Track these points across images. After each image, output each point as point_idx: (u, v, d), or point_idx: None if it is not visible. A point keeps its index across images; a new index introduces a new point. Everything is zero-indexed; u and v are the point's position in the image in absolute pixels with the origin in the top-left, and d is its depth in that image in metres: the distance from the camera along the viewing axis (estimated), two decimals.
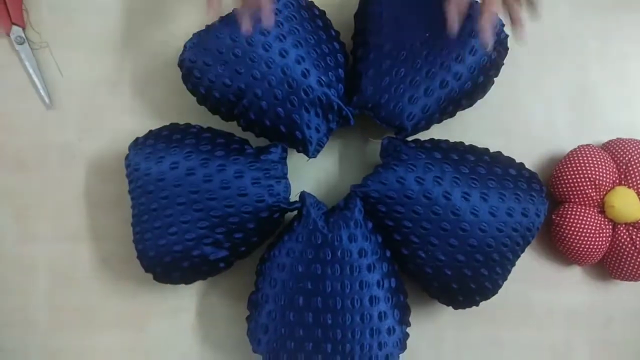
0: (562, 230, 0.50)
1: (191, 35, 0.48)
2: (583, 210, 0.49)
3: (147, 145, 0.47)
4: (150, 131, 0.48)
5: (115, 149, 0.52)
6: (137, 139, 0.48)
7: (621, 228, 0.50)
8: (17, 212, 0.52)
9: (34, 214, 0.52)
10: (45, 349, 0.50)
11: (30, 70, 0.54)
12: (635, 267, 0.49)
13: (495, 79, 0.49)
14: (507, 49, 0.49)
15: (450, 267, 0.44)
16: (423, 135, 0.49)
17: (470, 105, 0.49)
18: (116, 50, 0.54)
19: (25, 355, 0.50)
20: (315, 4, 0.50)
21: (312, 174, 0.53)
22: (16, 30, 0.54)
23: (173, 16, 0.54)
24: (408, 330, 0.47)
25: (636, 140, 0.51)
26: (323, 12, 0.50)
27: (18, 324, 0.51)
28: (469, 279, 0.45)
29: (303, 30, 0.47)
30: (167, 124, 0.49)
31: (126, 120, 0.53)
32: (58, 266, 0.51)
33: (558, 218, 0.50)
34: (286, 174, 0.47)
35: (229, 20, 0.47)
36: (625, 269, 0.50)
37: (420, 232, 0.44)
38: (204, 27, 0.48)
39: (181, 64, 0.47)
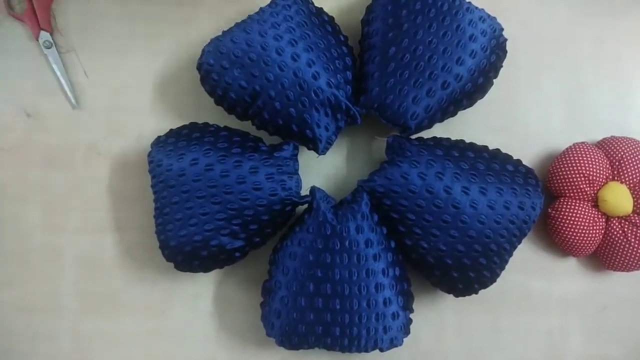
0: (557, 223, 0.52)
1: (209, 40, 0.50)
2: (577, 205, 0.52)
3: (169, 143, 0.49)
4: (171, 130, 0.51)
5: (137, 147, 0.55)
6: (159, 137, 0.51)
7: (614, 221, 0.52)
8: (46, 205, 0.55)
9: (62, 207, 0.55)
10: (75, 333, 0.53)
11: (58, 73, 0.56)
12: (627, 258, 0.52)
13: (494, 80, 0.51)
14: (505, 52, 0.51)
15: (450, 257, 0.47)
16: (426, 134, 0.52)
17: (471, 105, 0.52)
18: (138, 55, 0.56)
19: (56, 338, 0.53)
20: (325, 10, 0.53)
21: (322, 170, 0.55)
22: (44, 35, 0.57)
23: (191, 22, 0.57)
24: (411, 316, 0.49)
25: (628, 138, 0.53)
26: (332, 18, 0.53)
27: (49, 309, 0.53)
28: (468, 268, 0.47)
29: (313, 35, 0.49)
30: (187, 123, 0.51)
31: (148, 119, 0.55)
32: (85, 256, 0.54)
33: (554, 212, 0.53)
34: (297, 169, 0.50)
35: (244, 26, 0.50)
36: (617, 260, 0.52)
37: (422, 224, 0.46)
38: (220, 33, 0.51)
39: (200, 67, 0.50)
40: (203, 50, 0.50)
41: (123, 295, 0.54)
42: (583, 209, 0.52)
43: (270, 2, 0.51)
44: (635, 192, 0.52)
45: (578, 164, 0.52)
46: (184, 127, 0.51)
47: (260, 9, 0.51)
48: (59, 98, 0.56)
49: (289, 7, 0.50)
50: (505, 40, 0.51)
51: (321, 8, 0.53)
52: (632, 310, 0.55)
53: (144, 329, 0.53)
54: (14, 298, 0.53)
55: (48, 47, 0.57)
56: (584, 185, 0.51)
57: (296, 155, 0.50)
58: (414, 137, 0.51)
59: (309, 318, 0.46)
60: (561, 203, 0.52)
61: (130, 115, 0.56)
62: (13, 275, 0.54)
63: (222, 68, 0.48)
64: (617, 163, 0.52)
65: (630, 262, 0.52)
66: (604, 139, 0.55)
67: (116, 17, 0.57)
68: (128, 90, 0.56)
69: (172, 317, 0.54)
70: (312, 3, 0.52)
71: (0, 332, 0.53)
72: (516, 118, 0.56)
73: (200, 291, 0.54)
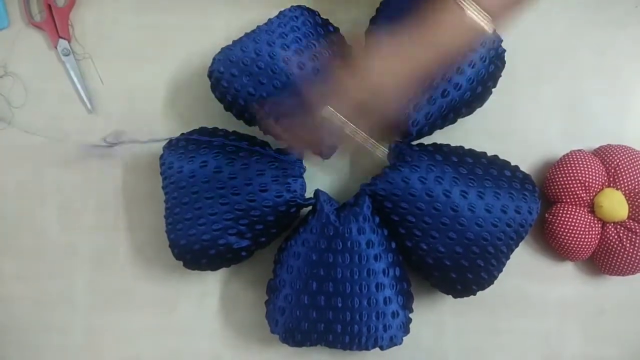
0: (554, 228, 0.53)
1: (219, 49, 0.52)
2: (574, 210, 0.53)
3: (180, 146, 0.51)
4: (182, 134, 0.53)
5: (149, 150, 0.57)
6: (170, 140, 0.53)
7: (609, 227, 0.53)
8: (62, 204, 0.57)
9: (77, 207, 0.57)
10: (87, 328, 0.55)
11: (75, 79, 0.59)
12: (623, 263, 0.53)
13: (493, 89, 0.53)
14: (504, 62, 0.53)
15: (449, 258, 0.48)
16: (427, 140, 0.53)
17: (470, 113, 0.53)
18: (151, 62, 0.59)
19: (69, 332, 0.55)
20: (331, 21, 0.55)
21: (326, 174, 0.57)
22: (62, 43, 0.59)
23: (202, 31, 0.59)
24: (411, 316, 0.51)
25: (624, 146, 0.55)
26: (337, 29, 0.55)
27: (62, 305, 0.55)
28: (466, 269, 0.48)
29: (319, 45, 0.51)
30: (197, 127, 0.53)
31: (160, 124, 0.58)
32: (98, 253, 0.56)
33: (551, 217, 0.54)
34: (302, 173, 0.51)
35: (253, 36, 0.52)
36: (613, 264, 0.53)
37: (422, 226, 0.48)
38: (230, 42, 0.53)
39: (210, 74, 0.52)
40: (214, 59, 0.52)
41: (134, 292, 0.56)
42: (579, 215, 0.53)
43: (278, 14, 0.53)
44: (631, 198, 0.53)
45: (575, 171, 0.53)
46: (194, 131, 0.53)
47: (269, 19, 0.53)
48: (75, 103, 0.59)
49: (296, 18, 0.52)
50: (504, 51, 0.53)
51: (327, 19, 0.55)
52: (629, 313, 0.56)
53: (153, 324, 0.55)
54: (29, 292, 0.56)
55: (66, 55, 0.59)
56: (581, 191, 0.53)
57: (301, 159, 0.52)
58: (414, 143, 0.53)
59: (312, 315, 0.48)
60: (558, 208, 0.54)
61: (142, 119, 0.58)
62: (29, 271, 0.56)
63: (232, 75, 0.50)
64: (612, 170, 0.53)
65: (625, 267, 0.53)
66: (600, 146, 0.56)
67: (131, 26, 0.60)
68: (141, 95, 0.59)
69: (180, 314, 0.55)
70: (319, 14, 0.54)
71: (16, 325, 0.55)
72: (515, 126, 0.58)
73: (207, 289, 0.56)
